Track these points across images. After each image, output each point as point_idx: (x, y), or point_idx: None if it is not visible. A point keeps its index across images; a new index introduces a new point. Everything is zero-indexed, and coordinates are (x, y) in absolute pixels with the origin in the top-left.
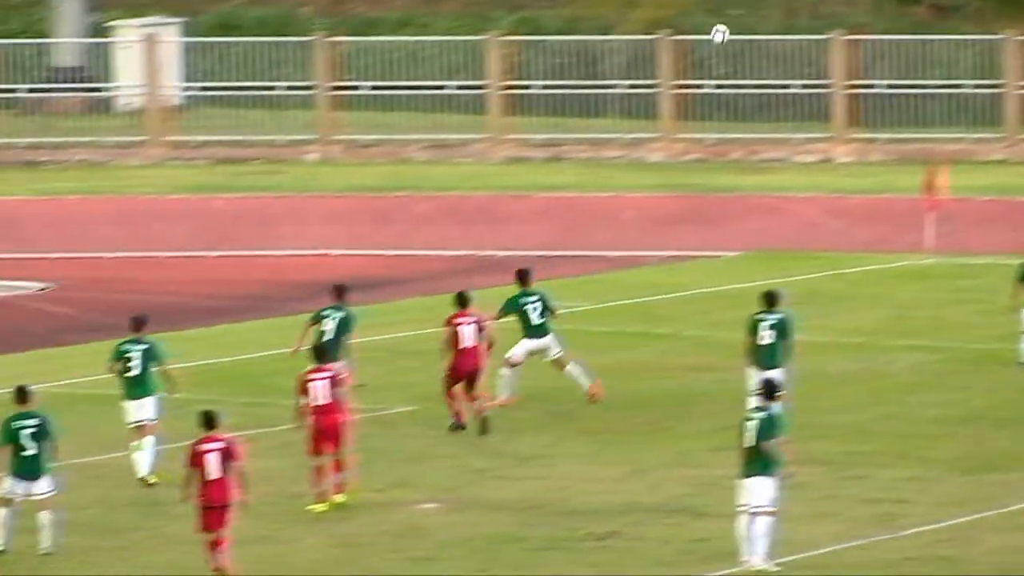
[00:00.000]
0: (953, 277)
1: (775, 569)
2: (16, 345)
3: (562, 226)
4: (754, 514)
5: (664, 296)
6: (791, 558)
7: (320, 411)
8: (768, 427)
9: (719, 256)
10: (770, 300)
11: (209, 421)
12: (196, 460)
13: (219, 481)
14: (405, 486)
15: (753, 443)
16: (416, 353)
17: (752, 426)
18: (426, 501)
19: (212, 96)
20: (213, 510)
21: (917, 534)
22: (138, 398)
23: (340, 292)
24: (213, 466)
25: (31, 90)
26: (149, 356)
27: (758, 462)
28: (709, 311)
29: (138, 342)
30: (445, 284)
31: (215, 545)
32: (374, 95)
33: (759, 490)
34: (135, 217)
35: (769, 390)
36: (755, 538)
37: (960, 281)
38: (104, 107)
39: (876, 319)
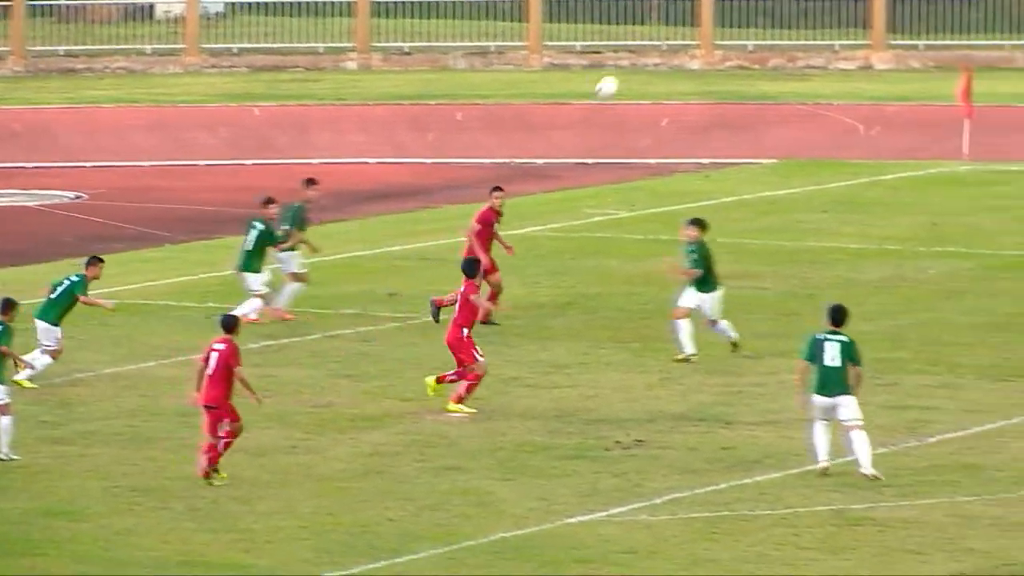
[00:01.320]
0: (988, 184)
1: (880, 476)
2: (46, 254)
3: (600, 134)
4: (850, 428)
5: (700, 203)
6: (817, 465)
7: None
8: (851, 351)
9: (756, 163)
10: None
11: (225, 324)
12: (204, 357)
13: (213, 380)
14: (435, 396)
15: (839, 364)
16: (451, 261)
17: (836, 348)
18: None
19: (251, 3)
20: (208, 410)
21: (944, 441)
22: None
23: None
24: (212, 364)
25: None
26: None
27: (843, 382)
28: (744, 218)
29: None
30: (481, 192)
31: (206, 450)
32: (414, 2)
33: (850, 406)
34: (172, 126)
35: (838, 317)
36: (859, 451)
37: (995, 188)
38: (144, 15)
39: (911, 226)
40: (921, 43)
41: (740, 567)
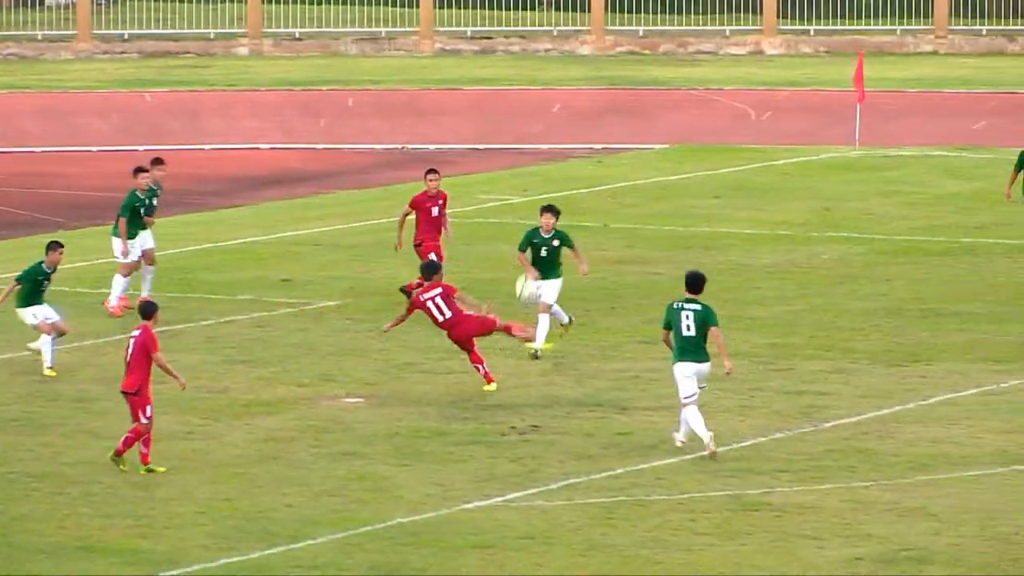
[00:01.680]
0: (879, 169)
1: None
2: None
3: (492, 120)
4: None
5: (592, 188)
6: (717, 449)
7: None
8: (705, 316)
9: (648, 149)
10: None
11: (143, 310)
12: (126, 346)
13: (131, 366)
14: (330, 380)
15: (693, 332)
16: (345, 247)
17: (691, 317)
18: (350, 396)
19: None
20: (128, 396)
21: (839, 426)
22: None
23: None
24: (129, 351)
25: None
26: None
27: (700, 349)
28: (637, 204)
29: None
30: (374, 178)
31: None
32: None
33: (702, 375)
34: (64, 112)
35: (696, 284)
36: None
37: (886, 173)
38: (34, 1)
39: (803, 211)
40: (812, 28)
41: (637, 552)
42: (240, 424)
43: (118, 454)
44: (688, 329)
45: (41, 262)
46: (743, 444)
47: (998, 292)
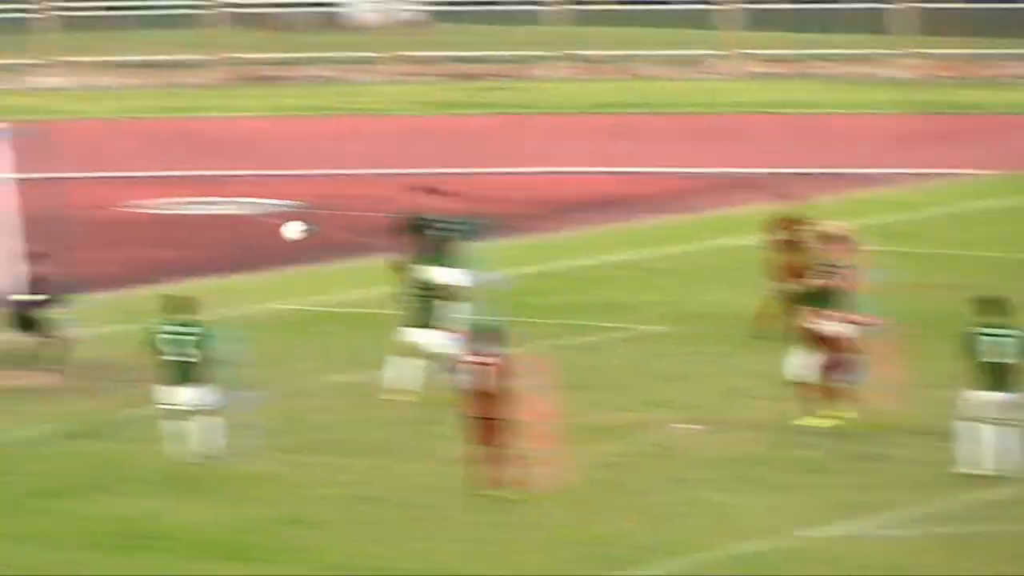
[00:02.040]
0: None
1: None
2: (266, 263)
3: (806, 144)
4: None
5: (912, 215)
6: None
7: None
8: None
9: (975, 174)
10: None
11: (490, 336)
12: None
13: (491, 395)
14: (662, 406)
15: (1012, 360)
16: (661, 272)
17: (1012, 344)
18: (681, 421)
19: (443, 11)
20: (484, 422)
21: None
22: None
23: None
24: (488, 380)
25: (267, 5)
26: None
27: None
28: (967, 228)
29: None
30: (685, 203)
31: (489, 459)
32: (606, 10)
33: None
34: (374, 135)
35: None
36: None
37: None
38: (338, 23)
39: None
40: None
41: None
42: (575, 450)
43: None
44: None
45: None
46: None
47: None
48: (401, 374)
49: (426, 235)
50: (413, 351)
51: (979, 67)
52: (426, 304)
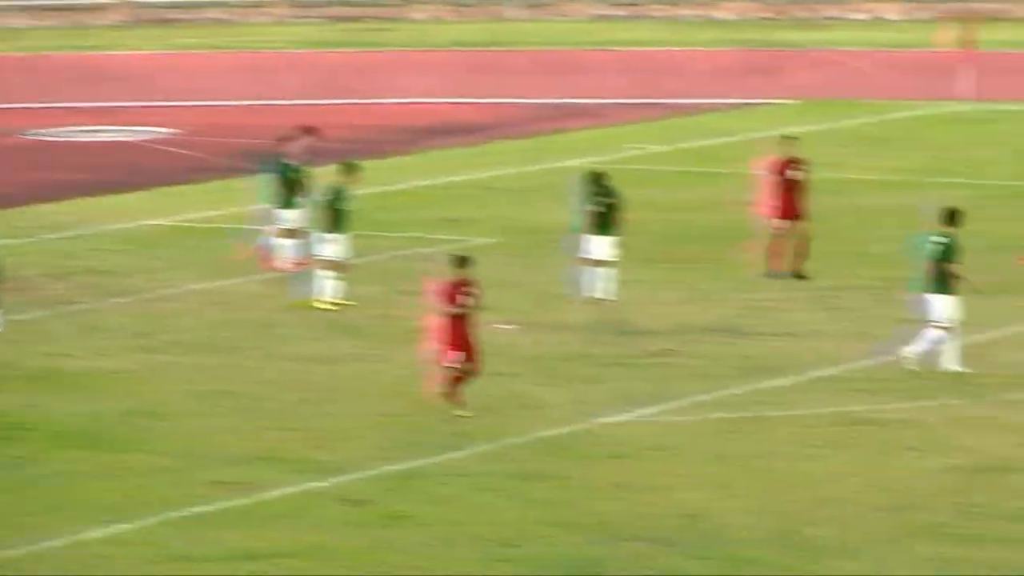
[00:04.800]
0: (987, 122)
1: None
2: (144, 183)
3: (639, 77)
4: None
5: (726, 139)
6: (826, 372)
7: None
8: (942, 252)
9: (776, 104)
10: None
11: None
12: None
13: None
14: (486, 309)
15: (934, 263)
16: (506, 190)
17: (928, 248)
18: (502, 322)
19: None
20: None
21: (919, 350)
22: None
23: None
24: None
25: None
26: None
27: (928, 280)
28: (765, 153)
29: None
30: (526, 129)
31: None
32: None
33: (935, 305)
34: (256, 71)
35: (948, 217)
36: (924, 340)
37: (993, 126)
38: None
39: (915, 160)
40: None
41: (754, 461)
42: (407, 349)
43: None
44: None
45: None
46: (853, 366)
47: None
48: (318, 286)
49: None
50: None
51: (796, 9)
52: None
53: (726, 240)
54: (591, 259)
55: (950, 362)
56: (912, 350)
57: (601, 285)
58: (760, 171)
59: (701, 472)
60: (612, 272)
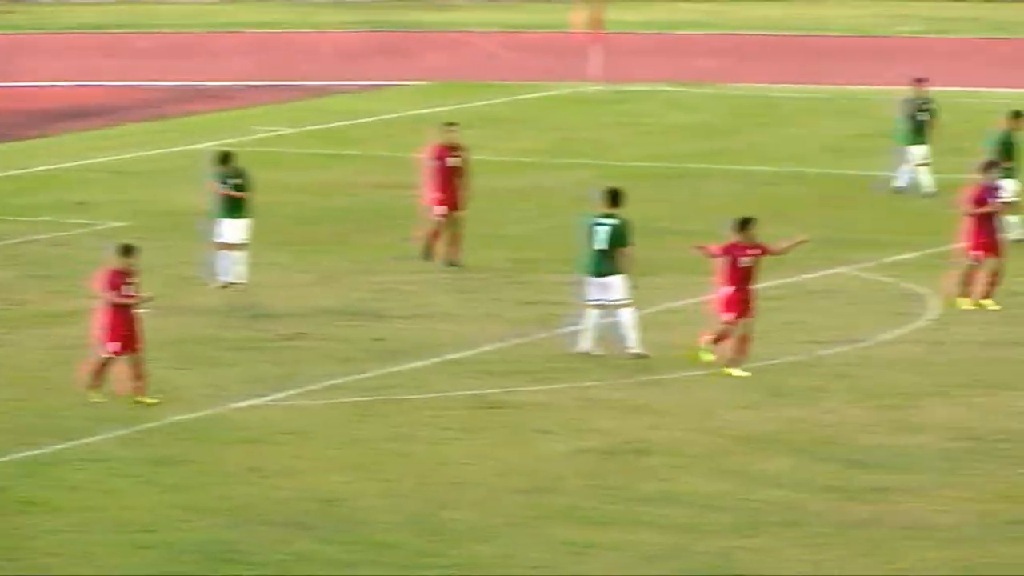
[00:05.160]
0: (614, 103)
1: (647, 353)
2: None
3: (268, 59)
4: (619, 307)
5: (356, 121)
6: (459, 355)
7: None
8: (620, 234)
9: (411, 85)
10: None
11: None
12: None
13: None
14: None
15: (606, 246)
16: (137, 173)
17: (604, 231)
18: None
19: None
20: None
21: (573, 332)
22: None
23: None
24: None
25: None
26: None
27: (612, 263)
28: (395, 135)
29: None
30: (157, 111)
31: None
32: None
33: (619, 286)
34: None
35: (612, 198)
36: (626, 329)
37: (620, 106)
38: None
39: (545, 140)
40: None
41: (388, 445)
42: (39, 332)
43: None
44: (602, 243)
45: None
46: (485, 349)
47: (714, 212)
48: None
49: None
50: None
51: None
52: None
53: (357, 222)
54: (223, 243)
55: (618, 343)
56: (580, 332)
57: (233, 268)
58: (422, 158)
59: (336, 456)
60: (243, 255)
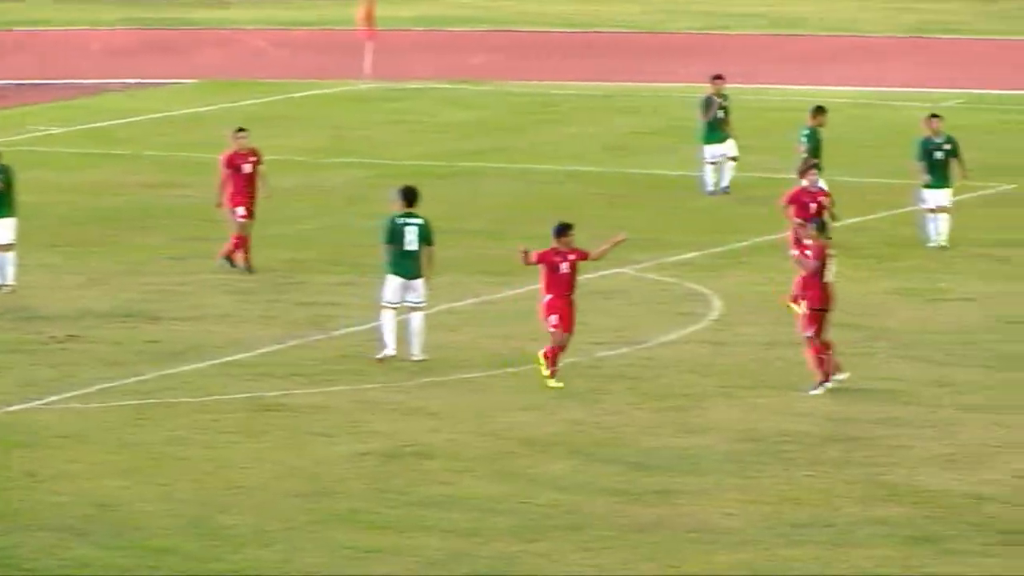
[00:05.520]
0: (387, 100)
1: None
2: None
3: (39, 58)
4: (414, 310)
5: (126, 120)
6: (236, 357)
7: None
8: (427, 233)
9: (177, 84)
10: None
11: None
12: None
13: None
14: None
15: (415, 247)
16: None
17: (413, 231)
18: None
19: None
20: None
21: (348, 334)
22: None
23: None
24: None
25: None
26: None
27: (418, 264)
28: (167, 134)
29: None
30: None
31: None
32: None
33: (420, 289)
34: None
35: (411, 197)
36: (415, 334)
37: (394, 104)
38: None
39: (317, 139)
40: None
41: (164, 448)
42: None
43: None
44: (411, 244)
45: None
46: (262, 351)
47: (493, 211)
48: None
49: None
50: None
51: None
52: None
53: (126, 223)
54: None
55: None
56: (381, 338)
57: (1, 270)
58: (219, 164)
59: (110, 460)
60: (11, 256)
